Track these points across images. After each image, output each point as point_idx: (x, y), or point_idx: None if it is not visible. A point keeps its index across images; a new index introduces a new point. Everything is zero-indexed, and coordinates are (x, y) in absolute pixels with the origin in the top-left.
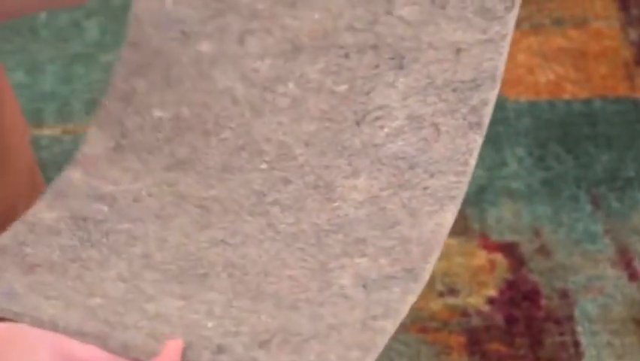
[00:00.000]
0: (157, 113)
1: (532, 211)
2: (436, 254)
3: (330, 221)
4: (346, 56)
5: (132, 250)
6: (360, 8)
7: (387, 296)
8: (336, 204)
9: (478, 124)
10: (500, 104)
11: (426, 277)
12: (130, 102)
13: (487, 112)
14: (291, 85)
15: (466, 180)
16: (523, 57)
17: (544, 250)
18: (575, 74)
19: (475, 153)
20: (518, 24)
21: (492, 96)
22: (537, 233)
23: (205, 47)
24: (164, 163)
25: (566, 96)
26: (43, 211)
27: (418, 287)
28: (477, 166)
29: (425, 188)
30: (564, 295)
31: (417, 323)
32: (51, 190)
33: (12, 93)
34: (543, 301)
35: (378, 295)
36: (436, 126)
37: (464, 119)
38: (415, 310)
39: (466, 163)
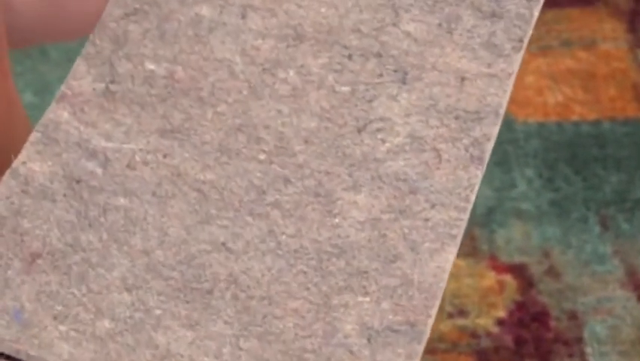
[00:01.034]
0: (150, 65)
1: (542, 232)
2: (437, 305)
3: (331, 241)
4: (349, 57)
5: (132, 240)
6: (367, 14)
7: (392, 359)
8: (337, 220)
9: (480, 159)
10: (509, 126)
11: (427, 334)
12: (121, 46)
13: (489, 148)
14: (291, 73)
15: (466, 218)
16: (532, 78)
17: (553, 272)
18: (584, 96)
19: (476, 190)
20: (527, 45)
21: (494, 132)
22: (546, 254)
23: (205, 11)
24: (158, 125)
25: (575, 118)
26: (34, 160)
27: (421, 349)
28: (486, 187)
29: (426, 220)
30: (573, 316)
31: (426, 345)
32: (39, 132)
33: (26, 114)
34: (552, 323)
35: (383, 357)
36: (437, 152)
37: (466, 150)
38: None
39: (467, 199)
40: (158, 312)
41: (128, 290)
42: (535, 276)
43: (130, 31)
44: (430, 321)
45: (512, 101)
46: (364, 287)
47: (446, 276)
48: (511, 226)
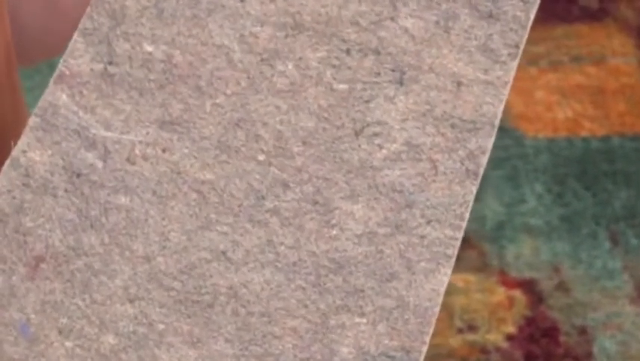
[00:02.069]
0: (148, 47)
1: (551, 248)
2: (431, 332)
3: (328, 255)
4: (348, 52)
5: (133, 245)
6: (366, 5)
7: None
8: (334, 232)
9: (475, 174)
10: (519, 141)
11: None
12: (119, 23)
13: (484, 162)
14: (290, 66)
15: (460, 237)
16: (542, 94)
17: (563, 287)
18: (593, 111)
19: (470, 206)
20: (537, 61)
21: (489, 145)
22: (556, 270)
23: None
24: (157, 115)
25: (584, 133)
26: (34, 148)
27: None
28: (496, 202)
29: (422, 237)
30: (583, 331)
31: (436, 360)
32: (38, 116)
33: None
34: (562, 338)
35: None
36: (433, 163)
37: (462, 163)
38: (434, 346)
39: (462, 217)
40: (160, 326)
41: (131, 301)
42: (545, 291)
43: (127, 7)
44: (425, 348)
45: (522, 116)
46: (361, 307)
47: (440, 300)
48: (520, 242)
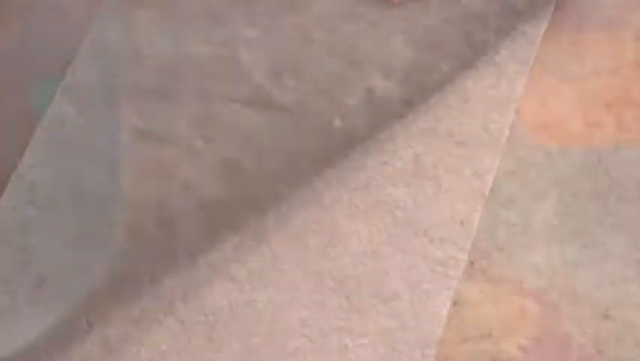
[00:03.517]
0: (154, 58)
1: (565, 257)
2: (433, 353)
3: (331, 273)
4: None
5: None
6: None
7: None
8: (337, 249)
9: (481, 192)
10: (532, 151)
11: None
12: (126, 33)
13: (490, 180)
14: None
15: (464, 258)
16: (556, 104)
17: (576, 297)
18: (608, 122)
19: (475, 226)
20: (552, 71)
21: (495, 163)
22: (570, 279)
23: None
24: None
25: (599, 143)
26: (39, 164)
27: None
28: (508, 212)
29: (425, 257)
30: (597, 342)
31: None
32: (44, 129)
33: None
34: (575, 348)
35: None
36: (437, 180)
37: (467, 181)
38: (446, 356)
39: (467, 237)
40: (163, 347)
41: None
42: (559, 301)
43: (135, 17)
44: None
45: (535, 126)
46: (363, 327)
47: (443, 322)
48: (534, 251)
